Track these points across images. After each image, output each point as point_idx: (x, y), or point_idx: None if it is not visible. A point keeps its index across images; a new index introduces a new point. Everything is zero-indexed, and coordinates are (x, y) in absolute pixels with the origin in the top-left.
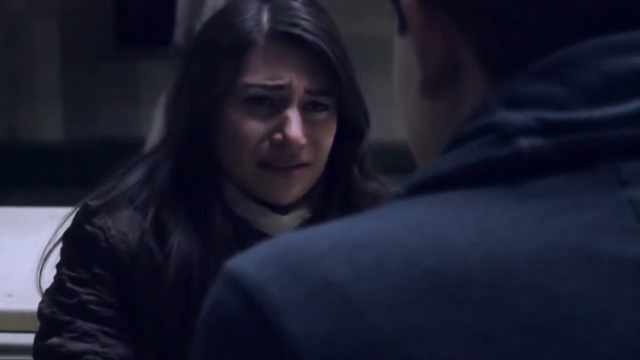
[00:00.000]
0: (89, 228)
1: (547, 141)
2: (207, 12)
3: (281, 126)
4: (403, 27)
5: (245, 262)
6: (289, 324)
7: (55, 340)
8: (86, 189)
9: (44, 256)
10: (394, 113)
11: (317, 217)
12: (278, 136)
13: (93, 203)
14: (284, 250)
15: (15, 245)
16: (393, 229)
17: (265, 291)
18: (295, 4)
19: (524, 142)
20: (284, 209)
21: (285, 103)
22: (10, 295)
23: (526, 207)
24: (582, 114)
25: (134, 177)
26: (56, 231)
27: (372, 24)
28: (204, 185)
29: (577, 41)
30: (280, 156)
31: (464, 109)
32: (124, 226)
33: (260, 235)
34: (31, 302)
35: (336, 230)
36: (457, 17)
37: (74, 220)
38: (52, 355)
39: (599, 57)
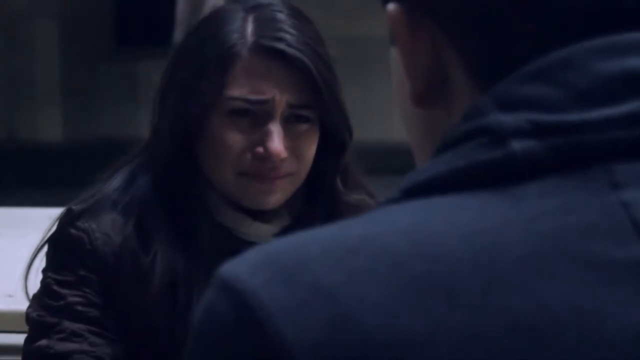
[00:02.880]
0: (73, 231)
1: (540, 143)
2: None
3: (263, 140)
4: (393, 37)
5: (238, 267)
6: (283, 330)
7: (43, 342)
8: (86, 189)
9: (30, 262)
10: (393, 113)
11: (297, 224)
12: (260, 149)
13: (76, 207)
14: (276, 255)
15: (15, 246)
16: (385, 233)
17: (258, 297)
18: (281, 16)
19: (517, 145)
20: (265, 217)
21: (267, 117)
22: (10, 296)
23: (518, 209)
24: (574, 116)
25: (117, 181)
26: (43, 237)
27: (372, 24)
28: (186, 193)
29: (567, 44)
30: (261, 168)
31: (456, 116)
32: (107, 228)
33: (242, 242)
34: None
35: (328, 235)
36: (442, 26)
37: (58, 224)
38: (42, 357)
39: (591, 59)
